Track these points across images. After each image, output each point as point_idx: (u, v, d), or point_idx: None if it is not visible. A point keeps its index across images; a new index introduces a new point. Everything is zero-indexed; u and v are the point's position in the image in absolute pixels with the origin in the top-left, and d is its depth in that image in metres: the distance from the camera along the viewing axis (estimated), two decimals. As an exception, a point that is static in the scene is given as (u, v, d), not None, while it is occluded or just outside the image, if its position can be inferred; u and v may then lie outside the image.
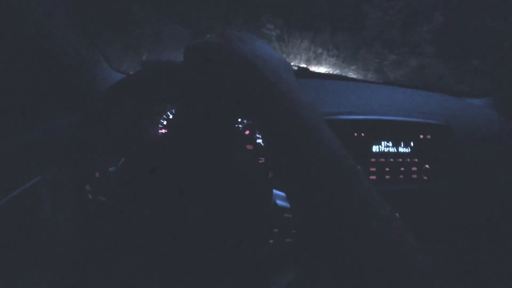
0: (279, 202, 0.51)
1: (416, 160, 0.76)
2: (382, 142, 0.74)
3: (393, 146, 0.75)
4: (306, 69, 0.86)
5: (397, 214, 0.76)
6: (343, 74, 4.42)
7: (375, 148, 0.74)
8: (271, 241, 0.52)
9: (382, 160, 0.74)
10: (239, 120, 0.67)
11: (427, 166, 0.76)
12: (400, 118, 0.75)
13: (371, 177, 0.73)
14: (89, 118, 0.46)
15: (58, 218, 0.39)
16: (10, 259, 0.48)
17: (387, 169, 0.74)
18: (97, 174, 0.49)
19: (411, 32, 4.59)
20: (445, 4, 4.29)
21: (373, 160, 0.73)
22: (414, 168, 0.76)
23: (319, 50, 5.20)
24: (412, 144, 0.76)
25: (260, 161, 0.66)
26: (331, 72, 4.88)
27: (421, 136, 0.76)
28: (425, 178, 0.76)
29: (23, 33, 0.57)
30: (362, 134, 0.73)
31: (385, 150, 0.74)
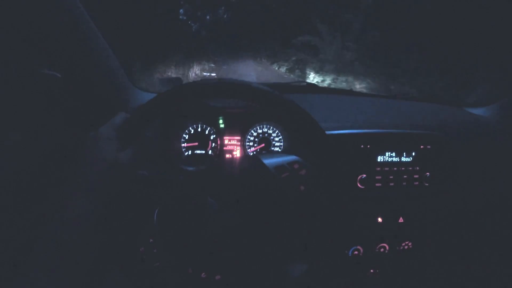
0: None
1: (418, 168, 0.84)
2: (386, 153, 0.82)
3: (396, 156, 0.82)
4: (314, 85, 0.94)
5: (400, 217, 0.84)
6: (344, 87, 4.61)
7: (380, 158, 0.81)
8: None
9: (387, 169, 0.82)
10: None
11: (427, 173, 0.84)
12: (402, 131, 0.83)
13: (376, 184, 0.81)
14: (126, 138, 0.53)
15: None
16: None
17: (391, 177, 0.82)
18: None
19: (408, 48, 4.70)
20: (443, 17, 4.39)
21: (378, 169, 0.81)
22: (416, 176, 0.84)
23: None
24: (413, 154, 0.83)
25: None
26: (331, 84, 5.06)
27: (422, 147, 0.83)
28: (426, 184, 0.84)
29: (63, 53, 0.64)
30: (368, 146, 0.80)
31: (389, 160, 0.82)
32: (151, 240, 0.64)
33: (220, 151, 0.85)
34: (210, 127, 0.85)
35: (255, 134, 0.85)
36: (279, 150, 0.85)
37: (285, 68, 6.82)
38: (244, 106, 0.82)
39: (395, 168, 0.82)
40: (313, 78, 5.87)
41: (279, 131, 0.85)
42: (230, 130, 0.85)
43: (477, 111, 1.03)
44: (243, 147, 0.85)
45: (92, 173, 0.43)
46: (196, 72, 6.11)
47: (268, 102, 0.52)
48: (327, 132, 0.79)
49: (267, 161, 0.58)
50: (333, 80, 5.46)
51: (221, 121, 0.84)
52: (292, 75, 6.43)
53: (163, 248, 0.63)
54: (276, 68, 6.96)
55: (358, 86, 4.96)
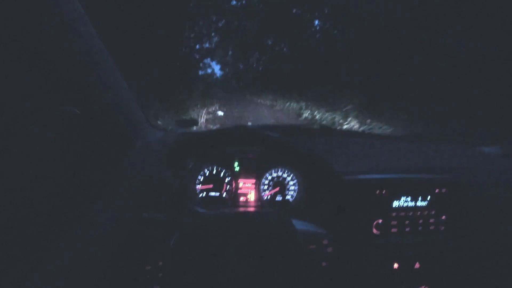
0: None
1: (433, 212, 0.83)
2: (402, 198, 0.82)
3: (411, 201, 0.82)
4: (329, 128, 0.95)
5: (417, 263, 0.83)
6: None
7: (395, 204, 0.81)
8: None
9: (402, 214, 0.81)
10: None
11: (443, 217, 0.83)
12: (417, 176, 0.83)
13: (392, 230, 0.81)
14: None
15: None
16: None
17: (407, 222, 0.82)
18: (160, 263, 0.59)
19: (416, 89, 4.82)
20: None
21: (394, 214, 0.81)
22: (431, 220, 0.83)
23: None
24: (429, 198, 0.83)
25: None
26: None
27: (437, 190, 0.83)
28: (442, 228, 0.83)
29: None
30: (384, 191, 0.80)
31: (405, 205, 0.82)
32: (160, 262, 0.63)
33: (234, 194, 0.86)
34: (226, 170, 0.87)
35: (270, 178, 0.86)
36: (294, 194, 0.86)
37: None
38: (259, 151, 0.84)
39: (410, 213, 0.82)
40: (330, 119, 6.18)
41: (294, 175, 0.86)
42: (246, 173, 0.86)
43: (491, 150, 1.02)
44: (258, 191, 0.85)
45: (133, 182, 0.45)
46: (209, 110, 6.56)
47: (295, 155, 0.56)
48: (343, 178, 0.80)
49: (298, 227, 0.59)
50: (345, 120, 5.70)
51: (236, 164, 0.86)
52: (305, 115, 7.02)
53: (168, 276, 0.62)
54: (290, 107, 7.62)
55: (370, 127, 5.13)
